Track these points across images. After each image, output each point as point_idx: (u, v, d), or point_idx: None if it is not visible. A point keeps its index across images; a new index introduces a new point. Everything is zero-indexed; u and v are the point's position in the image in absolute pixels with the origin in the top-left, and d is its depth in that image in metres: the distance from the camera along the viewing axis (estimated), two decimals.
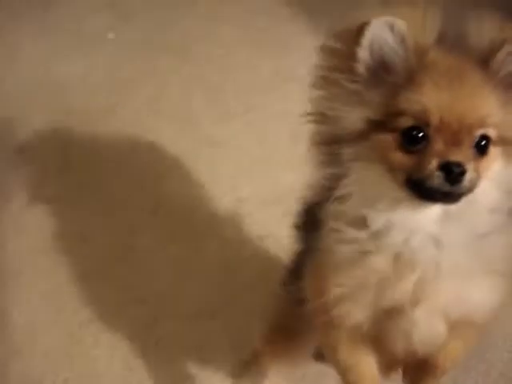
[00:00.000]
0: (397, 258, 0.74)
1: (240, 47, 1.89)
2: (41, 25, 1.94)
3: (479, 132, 0.69)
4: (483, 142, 0.70)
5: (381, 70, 0.70)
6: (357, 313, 0.78)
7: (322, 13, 1.94)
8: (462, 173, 0.67)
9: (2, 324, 1.43)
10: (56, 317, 1.43)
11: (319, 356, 1.12)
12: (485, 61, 0.71)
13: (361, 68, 0.70)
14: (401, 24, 0.68)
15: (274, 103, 1.76)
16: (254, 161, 1.65)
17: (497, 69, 0.71)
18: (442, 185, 0.67)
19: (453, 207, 0.72)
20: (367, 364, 0.86)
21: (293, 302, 0.96)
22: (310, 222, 0.83)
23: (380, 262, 0.74)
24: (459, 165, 0.67)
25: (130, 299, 1.44)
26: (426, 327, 0.78)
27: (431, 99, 0.68)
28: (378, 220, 0.73)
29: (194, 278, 1.44)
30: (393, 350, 0.84)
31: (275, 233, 1.44)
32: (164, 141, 1.69)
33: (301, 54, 1.85)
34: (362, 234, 0.73)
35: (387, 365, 0.90)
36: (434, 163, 0.68)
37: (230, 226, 1.53)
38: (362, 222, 0.73)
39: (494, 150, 0.71)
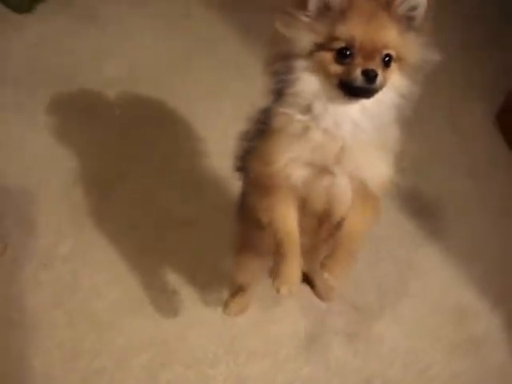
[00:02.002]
0: (328, 132, 1.07)
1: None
2: (55, 99, 2.11)
3: (385, 51, 1.03)
4: (387, 58, 1.04)
5: (324, 8, 1.02)
6: (297, 172, 1.09)
7: None
8: (375, 76, 1.01)
9: (22, 372, 1.56)
10: (72, 365, 1.57)
11: None
12: (388, 5, 1.04)
13: (311, 7, 1.02)
14: None
15: None
16: None
17: (396, 11, 1.04)
18: (363, 84, 1.01)
19: (368, 103, 1.06)
20: (294, 223, 1.15)
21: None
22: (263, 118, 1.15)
23: (317, 135, 1.07)
24: (373, 71, 1.01)
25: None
26: (341, 188, 1.11)
27: (355, 30, 1.01)
28: (318, 108, 1.06)
29: None
30: (315, 210, 1.15)
31: None
32: (169, 205, 1.87)
33: None
34: (306, 117, 1.07)
35: (307, 229, 1.18)
36: (358, 70, 1.01)
37: None
38: (306, 109, 1.06)
39: (393, 65, 1.05)
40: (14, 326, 1.62)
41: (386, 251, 1.85)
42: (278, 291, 1.13)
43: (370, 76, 1.01)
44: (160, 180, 1.93)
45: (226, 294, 1.68)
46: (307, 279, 1.68)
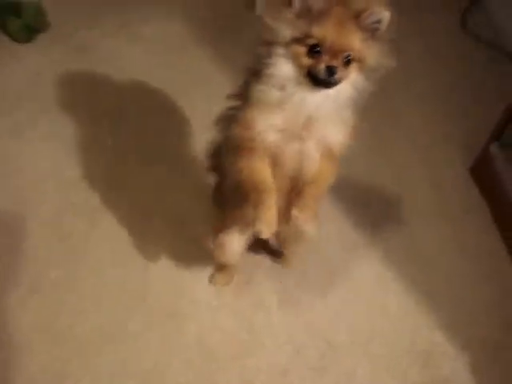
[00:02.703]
0: (298, 108, 1.31)
1: None
2: (51, 127, 2.20)
3: (347, 53, 1.27)
4: (348, 58, 1.28)
5: (306, 9, 1.24)
6: (272, 136, 1.33)
7: None
8: (335, 71, 1.26)
9: None
10: None
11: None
12: (357, 16, 1.26)
13: (295, 6, 1.25)
14: None
15: None
16: None
17: (361, 21, 1.27)
18: (325, 76, 1.26)
19: (330, 92, 1.30)
20: (269, 174, 1.37)
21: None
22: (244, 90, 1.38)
23: (288, 107, 1.31)
24: (334, 67, 1.26)
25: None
26: (309, 150, 1.36)
27: (327, 32, 1.25)
28: (290, 88, 1.30)
29: None
30: (287, 171, 1.39)
31: None
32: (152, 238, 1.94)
33: None
34: (281, 94, 1.31)
35: (280, 190, 1.39)
36: (322, 65, 1.26)
37: None
38: (281, 88, 1.30)
39: (353, 64, 1.29)
40: None
41: (360, 292, 1.93)
42: (259, 233, 1.35)
43: (331, 71, 1.26)
44: (147, 208, 2.01)
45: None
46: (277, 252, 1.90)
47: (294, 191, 1.42)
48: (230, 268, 1.83)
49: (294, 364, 1.75)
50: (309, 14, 1.25)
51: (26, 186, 2.02)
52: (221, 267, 1.84)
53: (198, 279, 1.87)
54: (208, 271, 1.88)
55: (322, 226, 1.92)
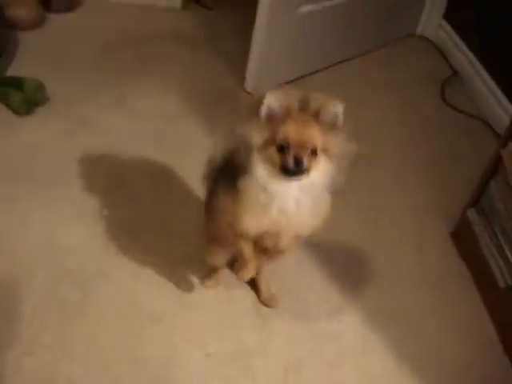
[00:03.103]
0: (280, 209, 1.54)
1: None
2: (49, 198, 2.27)
3: (311, 146, 1.45)
4: (313, 150, 1.46)
5: (270, 116, 1.46)
6: (256, 230, 1.59)
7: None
8: (301, 161, 1.44)
9: None
10: None
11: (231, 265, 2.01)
12: (316, 114, 1.47)
13: (262, 115, 1.47)
14: (281, 96, 1.46)
15: None
16: None
17: (320, 118, 1.47)
18: (294, 167, 1.45)
19: (304, 183, 1.50)
20: (252, 252, 1.67)
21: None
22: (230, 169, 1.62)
23: (273, 211, 1.54)
24: (300, 158, 1.44)
25: None
26: (284, 237, 1.63)
27: (291, 131, 1.45)
28: (271, 189, 1.51)
29: None
30: (265, 245, 1.67)
31: None
32: (146, 301, 2.02)
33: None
34: (265, 195, 1.53)
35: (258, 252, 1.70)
36: (291, 158, 1.44)
37: None
38: (264, 189, 1.52)
39: (320, 155, 1.48)
40: None
41: (348, 356, 1.99)
42: (242, 279, 1.74)
43: (298, 161, 1.44)
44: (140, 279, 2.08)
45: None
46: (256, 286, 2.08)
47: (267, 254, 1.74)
48: (218, 271, 2.04)
49: None
50: (274, 119, 1.47)
51: (22, 252, 2.10)
52: (211, 270, 2.05)
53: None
54: None
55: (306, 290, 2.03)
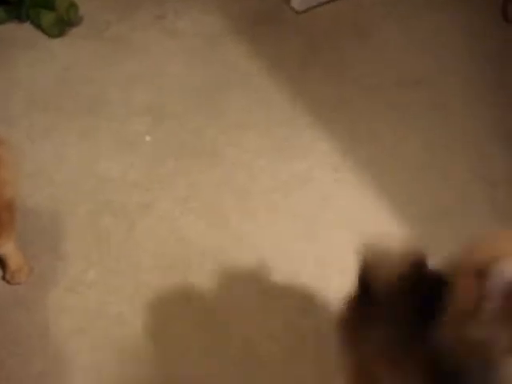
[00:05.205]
0: None
1: (263, 152, 2.11)
2: (85, 127, 2.14)
3: None
4: None
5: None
6: None
7: (335, 120, 2.19)
8: None
9: None
10: None
11: None
12: None
13: (496, 298, 0.76)
14: None
15: (291, 203, 1.98)
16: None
17: None
18: None
19: None
20: None
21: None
22: None
23: None
24: None
25: None
26: None
27: None
28: None
29: None
30: None
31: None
32: (193, 235, 1.89)
33: (316, 157, 2.08)
34: None
35: None
36: None
37: None
38: None
39: None
40: (36, 350, 1.64)
41: None
42: None
43: None
44: (186, 211, 1.95)
45: None
46: None
47: None
48: None
49: None
50: None
51: (61, 186, 1.98)
52: None
53: None
54: None
55: None
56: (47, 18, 2.42)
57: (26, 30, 2.47)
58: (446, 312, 0.84)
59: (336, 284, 1.68)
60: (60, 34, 2.44)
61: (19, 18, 2.47)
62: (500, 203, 2.06)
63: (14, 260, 1.73)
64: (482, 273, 0.76)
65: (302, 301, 1.76)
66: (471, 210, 2.02)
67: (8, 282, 1.75)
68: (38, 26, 2.45)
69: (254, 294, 1.78)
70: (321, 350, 1.63)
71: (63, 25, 2.45)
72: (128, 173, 2.03)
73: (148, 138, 2.12)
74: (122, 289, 1.77)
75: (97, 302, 1.74)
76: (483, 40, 2.54)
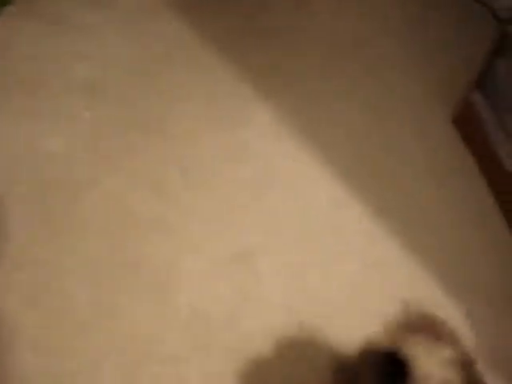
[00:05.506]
0: None
1: (206, 124, 2.13)
2: (25, 105, 2.11)
3: None
4: None
5: None
6: None
7: (274, 89, 2.22)
8: None
9: None
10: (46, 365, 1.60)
11: None
12: None
13: None
14: None
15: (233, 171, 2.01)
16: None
17: None
18: None
19: None
20: None
21: None
22: None
23: None
24: None
25: None
26: None
27: None
28: None
29: None
30: None
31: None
32: (141, 208, 1.90)
33: (256, 128, 2.11)
34: None
35: None
36: None
37: None
38: None
39: None
40: None
41: (353, 248, 1.91)
42: None
43: None
44: (131, 186, 1.96)
45: None
46: None
47: None
48: None
49: None
50: None
51: (4, 165, 1.96)
52: None
53: None
54: None
55: None
56: None
57: None
58: None
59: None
60: None
61: None
62: (438, 164, 2.15)
63: None
64: None
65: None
66: (411, 172, 2.09)
67: None
68: None
69: (205, 259, 1.81)
70: None
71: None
72: (70, 149, 2.01)
73: (88, 114, 2.10)
74: (70, 265, 1.78)
75: (45, 279, 1.74)
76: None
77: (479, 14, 2.72)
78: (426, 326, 1.15)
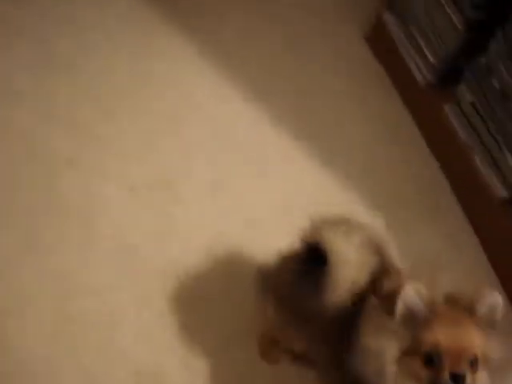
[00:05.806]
0: None
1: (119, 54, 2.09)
2: None
3: (471, 355, 1.07)
4: (473, 361, 1.06)
5: (409, 316, 1.08)
6: None
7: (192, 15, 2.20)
8: (464, 379, 1.05)
9: None
10: None
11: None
12: (469, 310, 1.10)
13: (398, 315, 1.08)
14: (422, 289, 1.08)
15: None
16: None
17: (475, 314, 1.10)
18: None
19: None
20: None
21: None
22: None
23: None
24: (461, 375, 1.04)
25: None
26: None
27: (441, 336, 1.07)
28: None
29: None
30: None
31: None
32: (55, 144, 1.86)
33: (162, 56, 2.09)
34: None
35: None
36: (446, 374, 1.05)
37: None
38: None
39: (480, 365, 1.08)
40: None
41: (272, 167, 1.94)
42: None
43: (458, 380, 1.04)
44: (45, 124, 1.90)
45: None
46: None
47: None
48: None
49: None
50: (414, 320, 1.09)
51: None
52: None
53: None
54: None
55: None
56: None
57: None
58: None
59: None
60: None
61: None
62: (355, 81, 2.19)
63: None
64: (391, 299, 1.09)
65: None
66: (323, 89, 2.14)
67: None
68: None
69: (126, 189, 1.81)
70: None
71: None
72: None
73: None
74: None
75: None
76: None
77: None
78: (341, 221, 1.26)
